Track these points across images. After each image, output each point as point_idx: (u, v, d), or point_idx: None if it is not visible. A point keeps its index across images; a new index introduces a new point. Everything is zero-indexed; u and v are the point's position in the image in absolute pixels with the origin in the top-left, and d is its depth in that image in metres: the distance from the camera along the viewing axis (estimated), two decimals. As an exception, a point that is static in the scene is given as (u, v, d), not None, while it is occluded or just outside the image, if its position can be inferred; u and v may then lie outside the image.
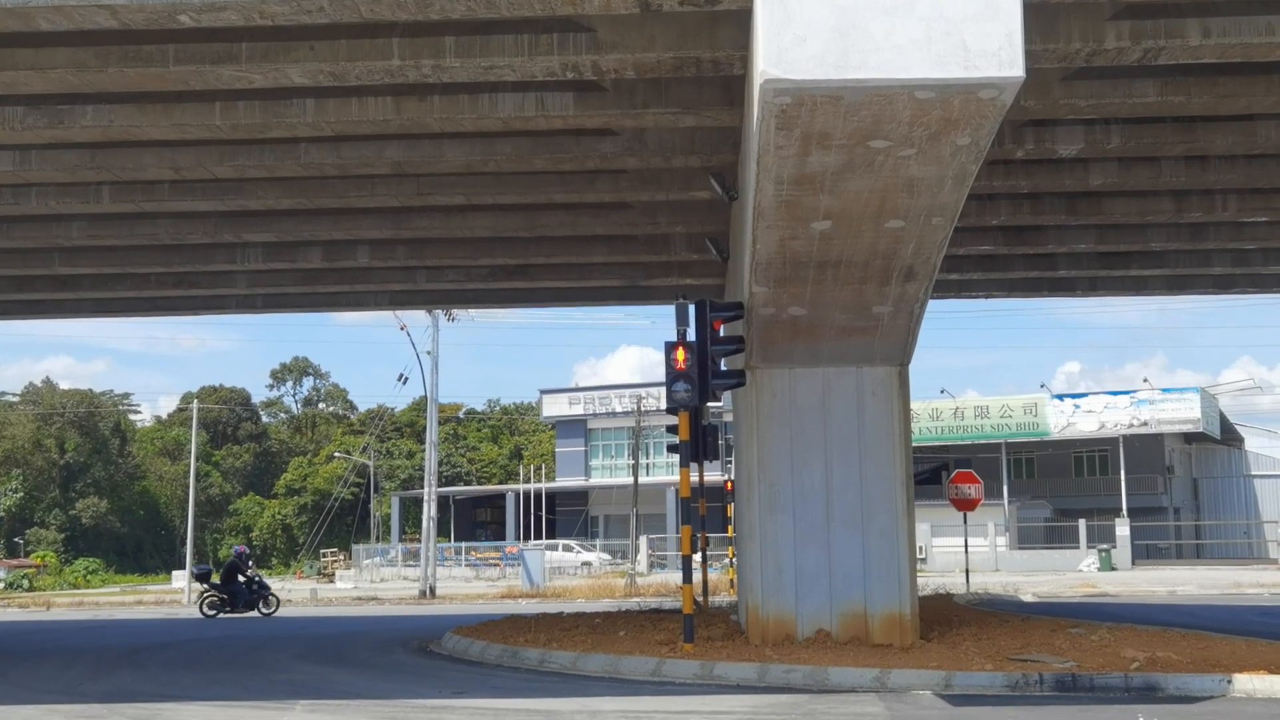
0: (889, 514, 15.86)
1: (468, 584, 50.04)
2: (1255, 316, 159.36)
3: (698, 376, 15.44)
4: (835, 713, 11.51)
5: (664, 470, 61.78)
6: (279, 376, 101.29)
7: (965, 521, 30.79)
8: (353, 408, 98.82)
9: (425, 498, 44.29)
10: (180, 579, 49.87)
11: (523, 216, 19.55)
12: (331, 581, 56.39)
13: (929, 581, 34.30)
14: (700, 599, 22.91)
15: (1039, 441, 59.32)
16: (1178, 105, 14.45)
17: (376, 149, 16.17)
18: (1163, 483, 59.68)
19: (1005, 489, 56.27)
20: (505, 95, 14.18)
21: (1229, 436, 62.78)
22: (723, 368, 16.26)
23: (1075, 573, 47.62)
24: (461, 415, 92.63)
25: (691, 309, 15.75)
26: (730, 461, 31.17)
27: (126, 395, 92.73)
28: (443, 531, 63.51)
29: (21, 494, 76.75)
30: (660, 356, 15.79)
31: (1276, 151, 16.81)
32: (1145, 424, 55.99)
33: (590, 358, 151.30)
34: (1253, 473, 62.73)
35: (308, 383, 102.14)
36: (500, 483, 77.67)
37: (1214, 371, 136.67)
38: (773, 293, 14.51)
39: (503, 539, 64.26)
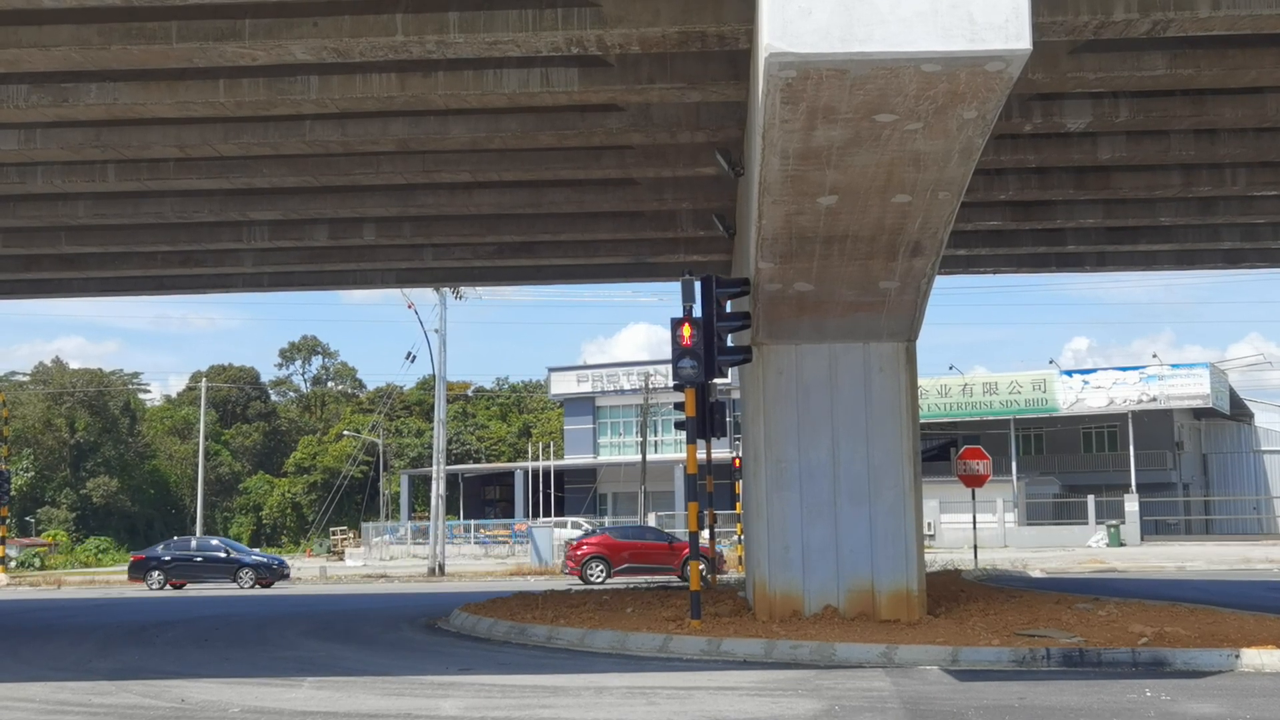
0: (896, 490, 15.80)
1: (477, 561, 50.20)
2: (1264, 292, 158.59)
3: (704, 353, 15.41)
4: (842, 688, 11.50)
5: (672, 447, 61.79)
6: (288, 355, 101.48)
7: (974, 498, 30.84)
8: (361, 386, 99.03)
9: (434, 476, 44.37)
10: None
11: (528, 193, 19.51)
12: (341, 559, 56.64)
13: (937, 558, 34.34)
14: (708, 576, 22.95)
15: (1048, 418, 59.30)
16: (1187, 78, 14.35)
17: (381, 126, 16.12)
18: (1172, 458, 59.62)
19: (1014, 465, 56.27)
20: (510, 71, 14.12)
21: (1238, 412, 62.68)
22: (729, 344, 16.21)
23: (1084, 548, 47.65)
24: (470, 393, 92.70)
25: (698, 285, 15.70)
26: (738, 438, 31.16)
27: (136, 374, 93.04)
28: (452, 509, 63.66)
29: (32, 473, 76.96)
30: (668, 334, 15.74)
31: (1287, 124, 16.70)
32: (1154, 400, 55.95)
33: (598, 335, 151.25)
34: (1262, 448, 62.71)
35: (316, 361, 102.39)
36: (509, 460, 77.80)
37: (1222, 347, 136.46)
38: (779, 268, 14.44)
39: (511, 517, 64.38)
